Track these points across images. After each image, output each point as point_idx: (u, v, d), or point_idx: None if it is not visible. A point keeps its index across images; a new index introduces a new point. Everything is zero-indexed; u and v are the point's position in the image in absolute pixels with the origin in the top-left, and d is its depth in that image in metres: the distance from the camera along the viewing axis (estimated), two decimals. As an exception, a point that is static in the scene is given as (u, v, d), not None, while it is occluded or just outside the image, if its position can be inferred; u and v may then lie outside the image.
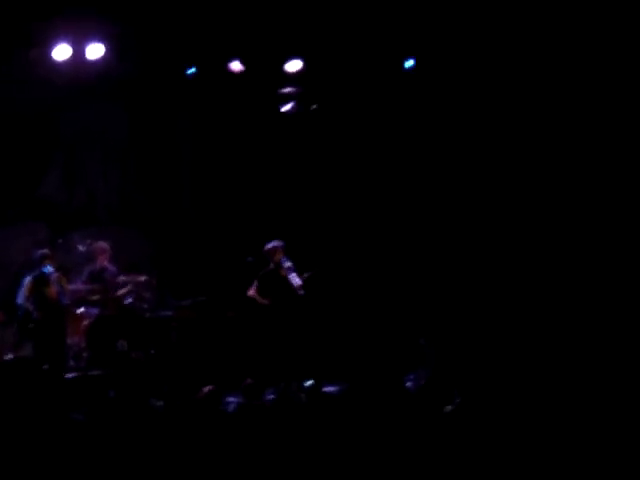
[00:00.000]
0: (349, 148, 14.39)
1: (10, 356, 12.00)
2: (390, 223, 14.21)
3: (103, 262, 12.91)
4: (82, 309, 12.65)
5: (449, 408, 7.71)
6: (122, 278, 12.98)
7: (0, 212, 13.68)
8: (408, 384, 11.31)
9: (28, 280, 12.36)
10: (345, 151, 14.41)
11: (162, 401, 10.02)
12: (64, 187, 14.28)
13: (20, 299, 12.30)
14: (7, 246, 13.76)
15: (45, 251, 12.44)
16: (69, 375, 11.77)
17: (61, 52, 12.40)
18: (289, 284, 12.08)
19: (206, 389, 8.26)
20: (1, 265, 13.72)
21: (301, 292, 12.02)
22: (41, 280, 12.30)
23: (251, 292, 12.34)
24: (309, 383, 9.47)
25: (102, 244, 13.01)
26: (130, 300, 12.84)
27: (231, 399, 9.28)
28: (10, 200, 13.76)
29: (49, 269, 12.24)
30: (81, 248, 13.06)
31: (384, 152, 14.29)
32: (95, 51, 12.51)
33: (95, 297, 12.78)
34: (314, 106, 14.18)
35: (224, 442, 7.10)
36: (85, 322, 12.55)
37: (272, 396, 10.45)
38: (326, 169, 14.51)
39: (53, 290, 12.27)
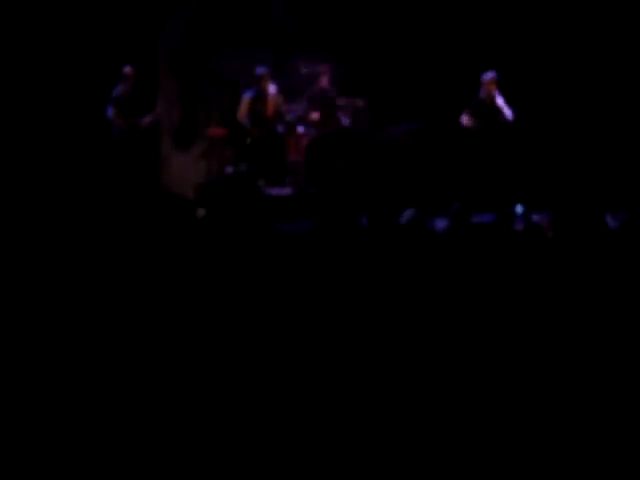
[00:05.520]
0: None
1: (230, 170, 12.63)
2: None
3: (323, 84, 13.21)
4: (301, 128, 13.06)
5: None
6: (340, 101, 13.26)
7: (231, 33, 13.95)
8: (608, 220, 11.20)
9: (246, 97, 12.73)
10: None
11: (370, 219, 10.27)
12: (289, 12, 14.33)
13: (238, 116, 12.73)
14: (230, 65, 13.95)
15: (265, 70, 12.67)
16: (285, 191, 12.33)
17: None
18: (498, 114, 12.31)
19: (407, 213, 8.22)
20: (225, 83, 14.03)
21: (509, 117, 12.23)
22: (259, 99, 12.65)
23: (464, 120, 12.46)
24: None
25: (323, 66, 13.31)
26: (348, 122, 13.14)
27: (439, 220, 9.42)
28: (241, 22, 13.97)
29: (267, 87, 12.59)
30: (304, 70, 13.45)
31: None
32: None
33: (313, 118, 13.12)
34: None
35: (432, 260, 7.26)
36: (304, 141, 12.96)
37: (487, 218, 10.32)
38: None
39: (270, 109, 12.67)
